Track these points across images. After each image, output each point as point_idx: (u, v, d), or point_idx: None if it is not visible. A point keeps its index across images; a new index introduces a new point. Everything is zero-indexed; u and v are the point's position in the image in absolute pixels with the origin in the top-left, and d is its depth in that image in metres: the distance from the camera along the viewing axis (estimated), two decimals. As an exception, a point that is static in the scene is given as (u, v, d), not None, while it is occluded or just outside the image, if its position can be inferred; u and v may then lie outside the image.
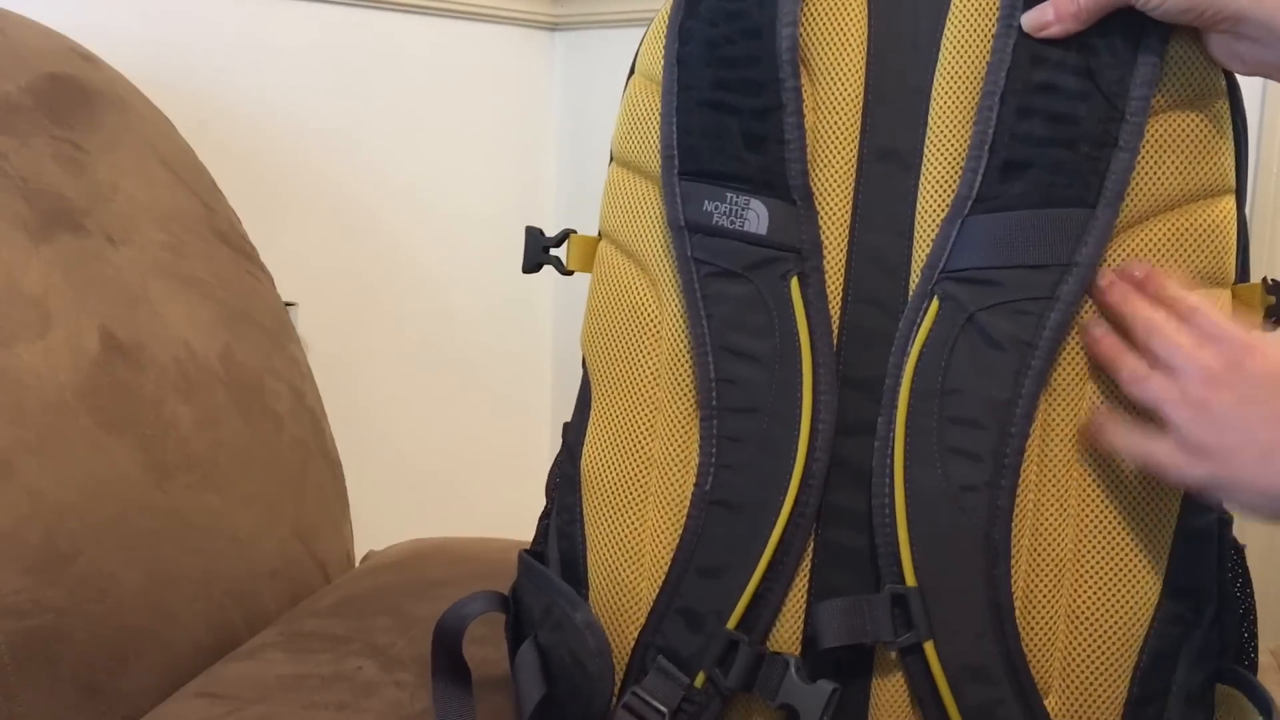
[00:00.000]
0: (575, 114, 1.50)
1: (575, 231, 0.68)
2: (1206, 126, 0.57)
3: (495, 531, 1.05)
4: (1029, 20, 0.56)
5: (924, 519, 0.55)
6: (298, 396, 0.94)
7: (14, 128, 0.78)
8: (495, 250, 1.47)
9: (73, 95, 0.85)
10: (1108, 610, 0.56)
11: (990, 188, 0.56)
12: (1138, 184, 0.56)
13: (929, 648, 0.55)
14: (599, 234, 0.67)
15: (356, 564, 1.00)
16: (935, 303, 0.56)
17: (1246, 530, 0.62)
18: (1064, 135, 0.55)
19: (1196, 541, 0.57)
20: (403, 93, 1.35)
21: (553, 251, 0.68)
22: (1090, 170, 0.55)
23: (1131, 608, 0.56)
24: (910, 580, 0.55)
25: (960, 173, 0.57)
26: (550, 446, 1.56)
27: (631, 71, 0.66)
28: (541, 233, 0.68)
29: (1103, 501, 0.56)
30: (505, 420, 1.53)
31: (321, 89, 1.28)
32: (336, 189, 1.31)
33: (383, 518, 1.19)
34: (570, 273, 0.68)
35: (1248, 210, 0.62)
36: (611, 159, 0.67)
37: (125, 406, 0.76)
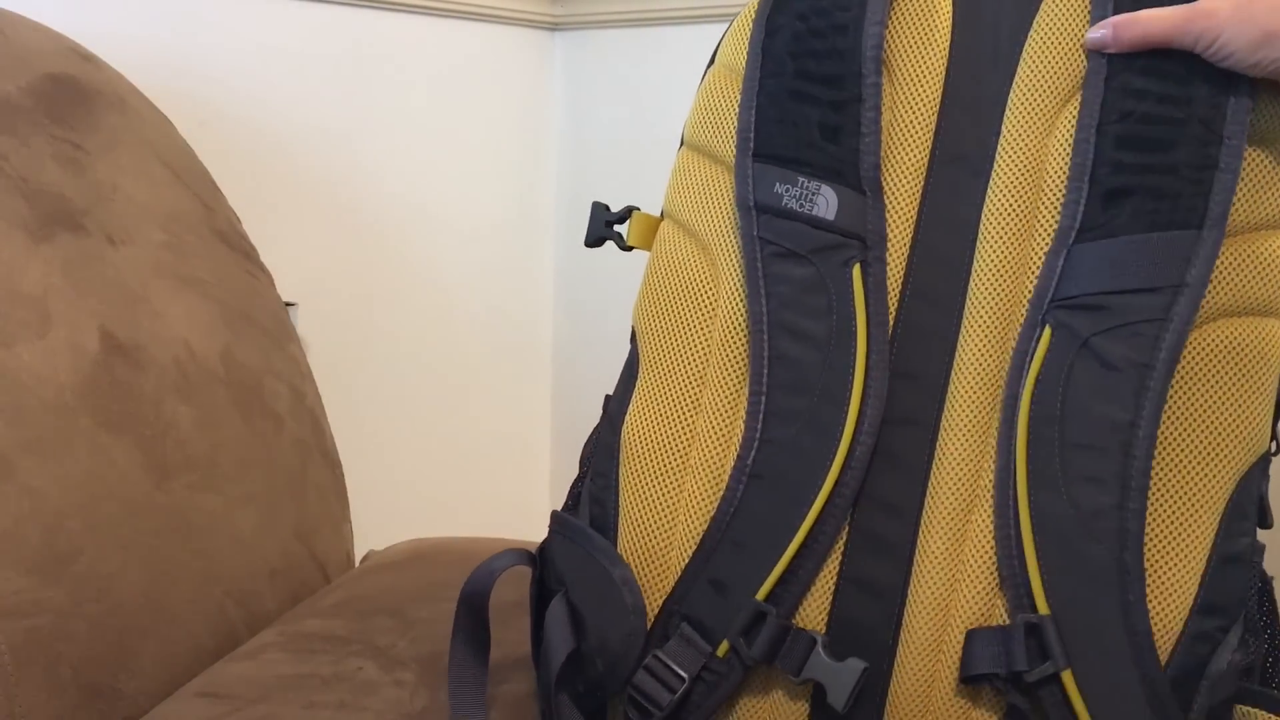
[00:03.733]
0: (575, 114, 1.50)
1: (639, 209, 0.70)
2: (1275, 161, 0.58)
3: (495, 531, 1.05)
4: (1090, 38, 0.57)
5: (1053, 546, 0.55)
6: (298, 396, 0.94)
7: (14, 128, 0.78)
8: (495, 250, 1.47)
9: (73, 95, 0.85)
10: None
11: (1094, 217, 0.57)
12: None
13: (1067, 677, 0.54)
14: (661, 214, 0.68)
15: (356, 564, 1.00)
16: (1048, 331, 0.56)
17: (1271, 565, 0.62)
18: (1163, 162, 0.56)
19: (1230, 564, 0.57)
20: (403, 93, 1.35)
21: (615, 228, 0.70)
22: (1194, 193, 0.56)
23: (1162, 621, 0.56)
24: (1043, 608, 0.55)
25: (1030, 182, 0.58)
26: (550, 446, 1.55)
27: (711, 63, 0.67)
28: (607, 208, 0.70)
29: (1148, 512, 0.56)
30: (505, 420, 1.53)
31: (321, 89, 1.28)
32: (336, 189, 1.31)
33: (383, 518, 1.19)
34: (630, 248, 0.70)
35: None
36: (682, 144, 0.68)
37: (125, 406, 0.76)
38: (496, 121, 1.46)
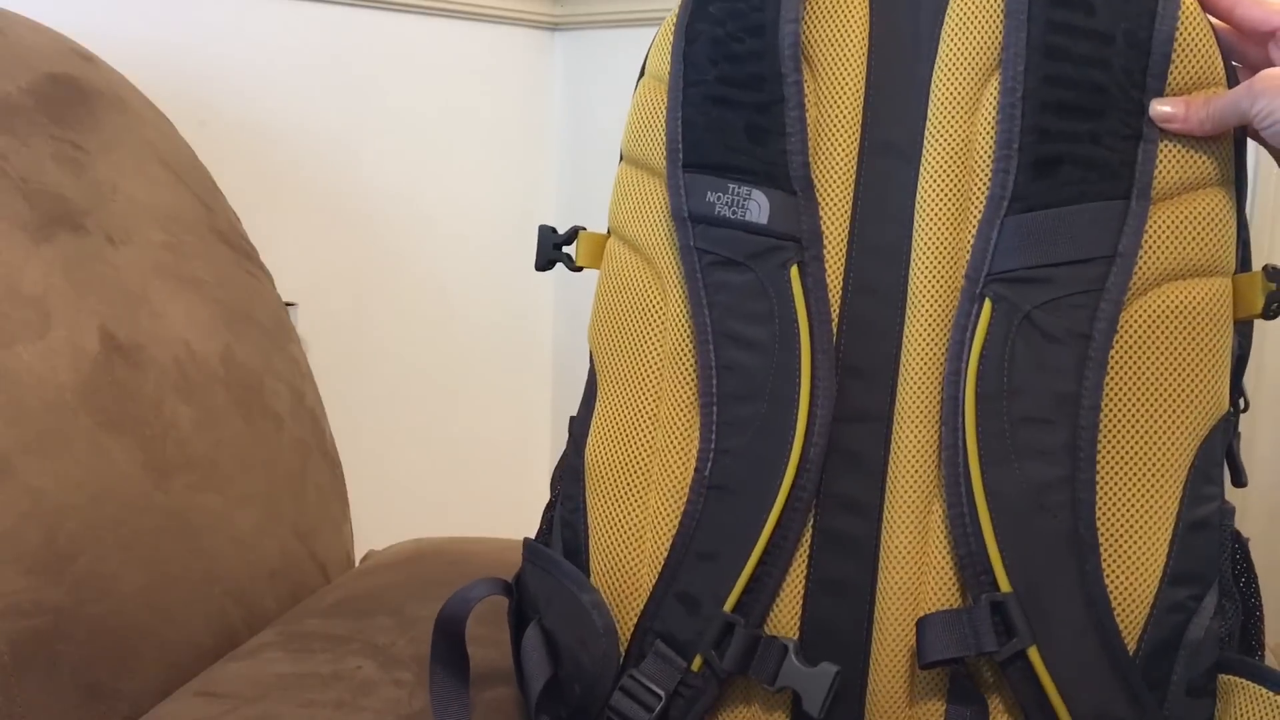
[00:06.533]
0: (575, 114, 1.50)
1: (584, 229, 0.70)
2: None
3: (495, 531, 1.05)
4: (1158, 110, 0.57)
5: (1009, 522, 0.55)
6: (298, 396, 0.94)
7: (14, 128, 0.78)
8: (495, 250, 1.47)
9: (73, 95, 0.85)
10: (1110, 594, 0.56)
11: (1023, 187, 0.56)
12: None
13: (1033, 653, 0.54)
14: (608, 231, 0.68)
15: (356, 564, 1.00)
16: (988, 305, 0.56)
17: (1248, 526, 0.62)
18: (1089, 130, 0.56)
19: (1198, 531, 0.57)
20: (403, 93, 1.35)
21: (564, 249, 0.70)
22: (1119, 162, 0.56)
23: (1130, 593, 0.56)
24: (1004, 586, 0.55)
25: (960, 163, 0.58)
26: (550, 446, 1.55)
27: (641, 74, 0.67)
28: (554, 230, 0.70)
29: (1103, 486, 0.56)
30: (505, 420, 1.53)
31: (321, 89, 1.28)
32: (336, 189, 1.31)
33: (383, 518, 1.19)
34: (579, 269, 0.70)
35: (1249, 205, 0.62)
36: (621, 158, 0.68)
37: (125, 406, 0.76)
38: (496, 121, 1.46)
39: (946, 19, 0.59)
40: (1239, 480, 0.61)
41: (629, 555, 0.62)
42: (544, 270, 0.70)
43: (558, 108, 1.51)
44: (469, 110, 1.42)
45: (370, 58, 1.31)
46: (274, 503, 0.88)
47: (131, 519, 0.74)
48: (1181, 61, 0.57)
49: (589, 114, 1.48)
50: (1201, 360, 0.57)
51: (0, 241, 0.73)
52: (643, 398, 0.63)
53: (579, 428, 0.67)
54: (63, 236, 0.77)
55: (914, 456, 0.58)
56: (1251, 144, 0.60)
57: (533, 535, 0.70)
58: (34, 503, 0.68)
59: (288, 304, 1.02)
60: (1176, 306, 0.57)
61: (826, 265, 0.59)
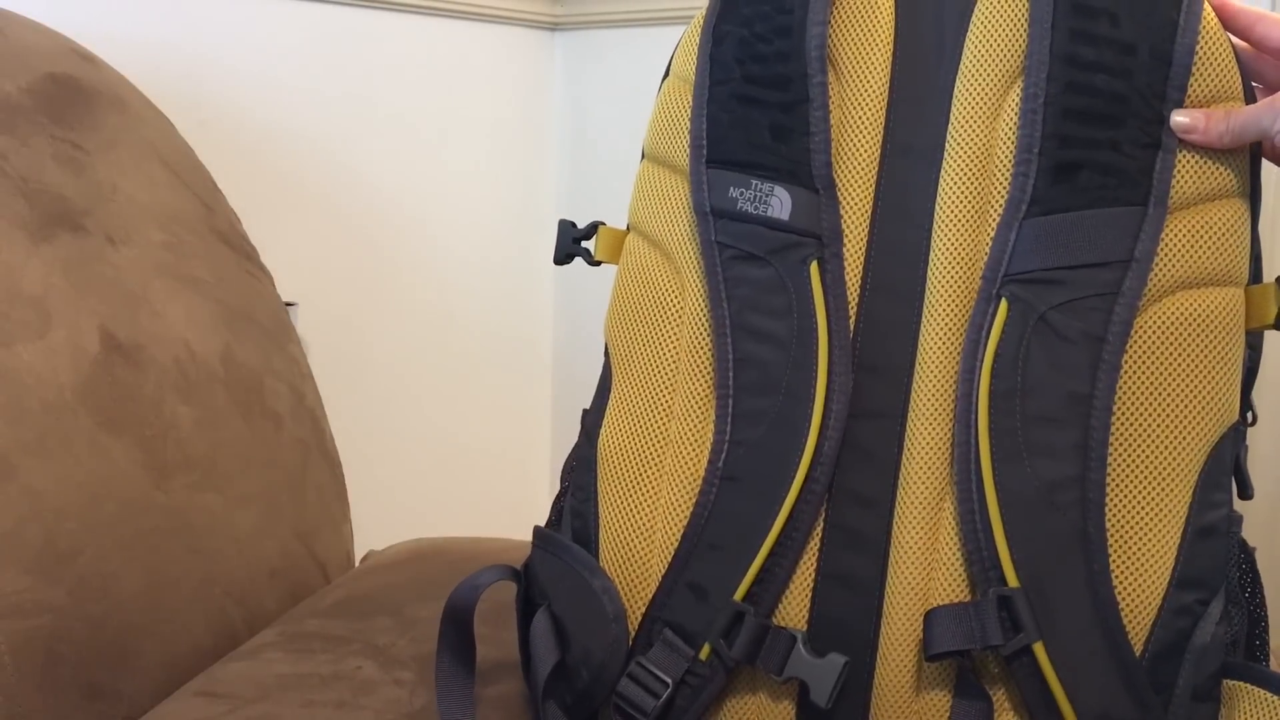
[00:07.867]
0: (575, 114, 1.50)
1: (604, 223, 0.70)
2: None
3: (495, 531, 1.05)
4: (1178, 120, 0.57)
5: (1019, 519, 0.56)
6: (298, 396, 0.94)
7: (14, 128, 0.78)
8: (495, 250, 1.47)
9: (73, 95, 0.85)
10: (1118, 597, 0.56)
11: (1042, 191, 0.57)
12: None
13: (1039, 649, 0.55)
14: (627, 226, 0.69)
15: (356, 564, 1.00)
16: (1004, 305, 0.57)
17: (1250, 534, 0.62)
18: (1109, 137, 0.57)
19: (1206, 536, 0.58)
20: (403, 93, 1.35)
21: (582, 244, 0.71)
22: (1138, 170, 0.57)
23: (1138, 596, 0.56)
24: (1012, 581, 0.55)
25: (980, 167, 0.59)
26: (550, 446, 1.55)
27: (666, 74, 0.68)
28: (573, 225, 0.71)
29: (1114, 489, 0.57)
30: (505, 420, 1.53)
31: (322, 89, 1.28)
32: (336, 189, 1.31)
33: (383, 518, 1.19)
34: (598, 263, 0.70)
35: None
36: (643, 156, 0.69)
37: (125, 406, 0.76)
38: (496, 121, 1.46)
39: (971, 25, 0.60)
40: (1245, 493, 0.61)
41: (639, 544, 0.62)
42: (562, 264, 0.71)
43: (558, 108, 1.51)
44: (469, 110, 1.42)
45: (370, 58, 1.32)
46: (274, 503, 0.88)
47: (131, 519, 0.74)
48: (1201, 74, 0.57)
49: (589, 114, 1.49)
50: (1213, 368, 0.58)
51: (0, 241, 0.73)
52: (658, 389, 0.64)
53: (592, 419, 0.67)
54: (63, 236, 0.77)
55: (927, 453, 0.58)
56: None
57: (530, 536, 0.70)
58: (34, 503, 0.68)
59: (288, 304, 1.02)
60: (1190, 314, 0.57)
61: (846, 263, 0.60)
